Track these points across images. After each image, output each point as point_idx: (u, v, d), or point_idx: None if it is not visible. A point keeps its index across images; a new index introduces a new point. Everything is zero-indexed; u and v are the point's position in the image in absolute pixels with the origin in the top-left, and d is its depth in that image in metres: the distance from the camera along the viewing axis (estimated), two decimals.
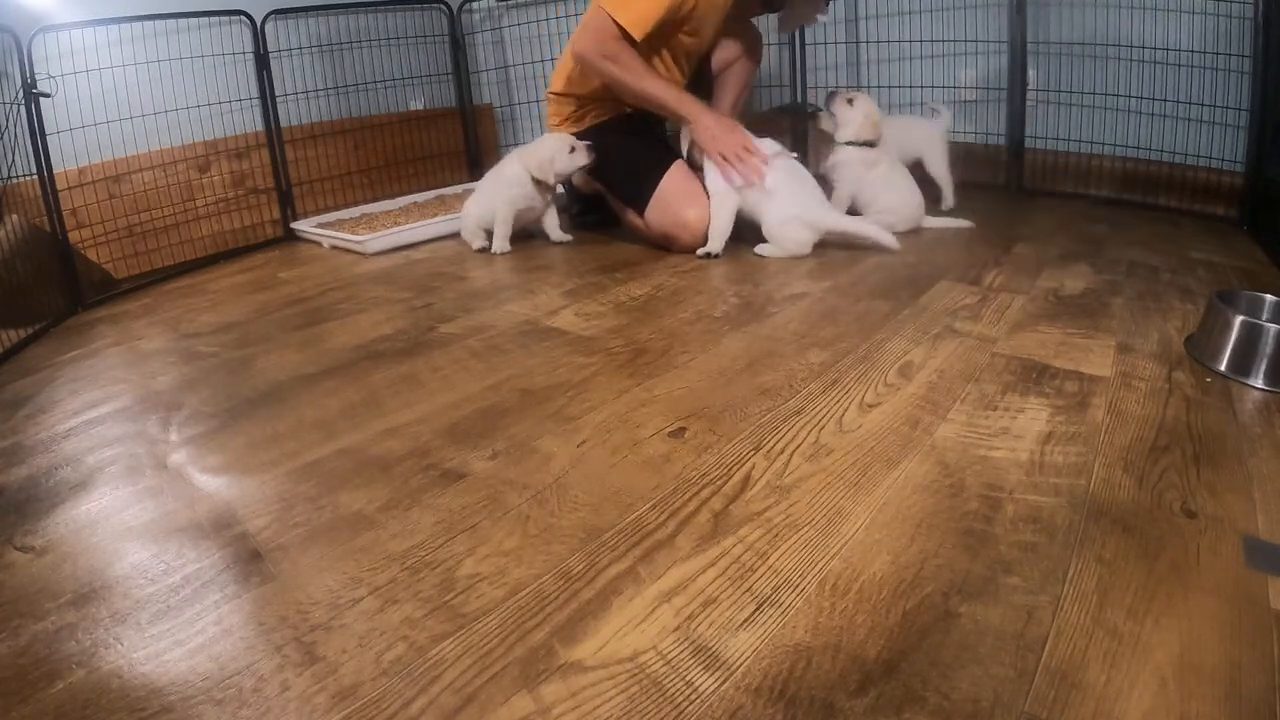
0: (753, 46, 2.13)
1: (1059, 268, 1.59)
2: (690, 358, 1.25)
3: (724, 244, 1.80)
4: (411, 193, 2.72)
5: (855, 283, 1.56)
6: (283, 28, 2.44)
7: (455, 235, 2.18)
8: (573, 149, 1.91)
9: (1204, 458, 0.90)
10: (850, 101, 1.90)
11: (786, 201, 1.74)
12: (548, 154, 1.91)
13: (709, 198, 1.81)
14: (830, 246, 1.78)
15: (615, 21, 1.71)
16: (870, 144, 1.90)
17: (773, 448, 0.96)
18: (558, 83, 2.00)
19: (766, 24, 2.36)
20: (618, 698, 0.61)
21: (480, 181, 2.14)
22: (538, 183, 1.95)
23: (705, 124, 1.78)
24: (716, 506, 0.85)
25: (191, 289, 1.97)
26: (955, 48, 2.30)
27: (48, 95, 1.79)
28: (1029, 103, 2.22)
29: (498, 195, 1.99)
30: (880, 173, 1.90)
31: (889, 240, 1.73)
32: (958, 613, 0.67)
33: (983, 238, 1.84)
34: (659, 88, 1.78)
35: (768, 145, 1.79)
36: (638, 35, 1.72)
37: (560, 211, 2.11)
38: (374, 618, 0.71)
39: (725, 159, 1.75)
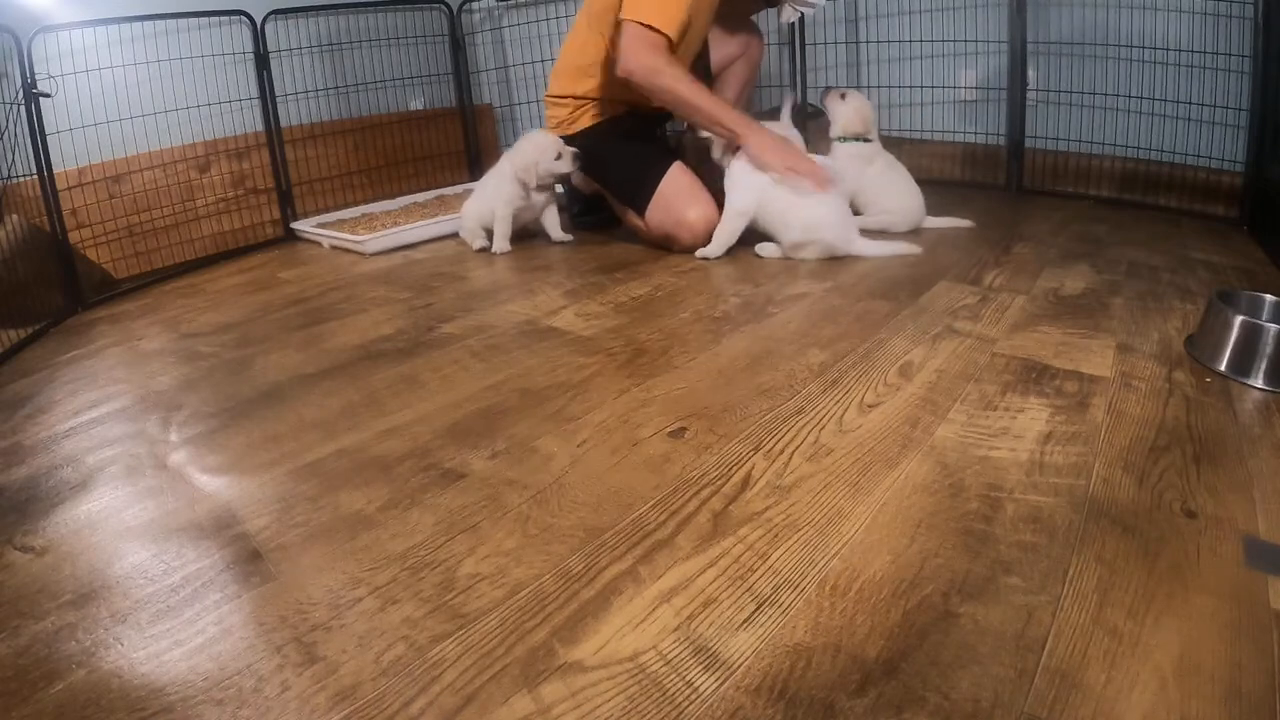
0: (752, 45, 2.13)
1: (1059, 268, 1.59)
2: (690, 358, 1.25)
3: (724, 252, 1.80)
4: (411, 193, 2.72)
5: (855, 283, 1.56)
6: (283, 28, 2.44)
7: (455, 235, 2.18)
8: (559, 155, 1.91)
9: (1204, 458, 0.90)
10: (843, 96, 1.92)
11: (814, 220, 1.70)
12: (532, 157, 1.92)
13: (723, 205, 1.79)
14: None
15: (647, 26, 1.68)
16: (865, 140, 1.91)
17: (773, 448, 0.96)
18: (553, 85, 2.01)
19: (767, 24, 2.36)
20: (618, 698, 0.61)
21: (480, 181, 2.14)
22: (522, 183, 1.96)
23: (764, 141, 1.73)
24: (716, 506, 0.85)
25: (191, 289, 1.97)
26: (955, 48, 2.30)
27: (48, 95, 1.79)
28: (1029, 103, 2.22)
29: (496, 195, 1.99)
30: (878, 170, 1.90)
31: (910, 250, 1.72)
32: (958, 613, 0.67)
33: (983, 238, 1.84)
34: (712, 103, 1.74)
35: (816, 158, 1.77)
36: (672, 34, 1.68)
37: (560, 211, 2.12)
38: (374, 618, 0.71)
39: (793, 170, 1.70)
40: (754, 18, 2.18)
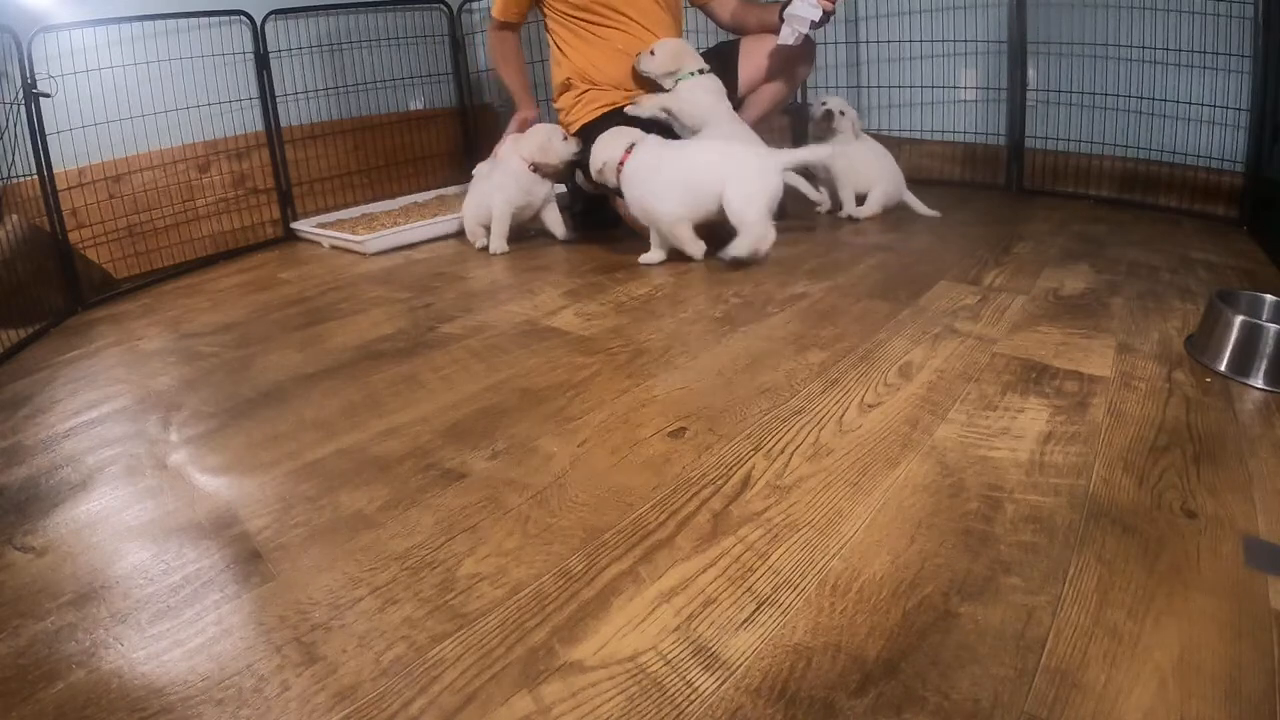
0: (793, 69, 2.04)
1: (1059, 268, 1.59)
2: (690, 358, 1.25)
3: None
4: (411, 193, 2.72)
5: (855, 283, 1.56)
6: (283, 28, 2.44)
7: (455, 235, 2.19)
8: (565, 137, 1.97)
9: (1204, 458, 0.90)
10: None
11: (738, 168, 1.67)
12: (543, 137, 1.95)
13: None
14: (830, 247, 1.78)
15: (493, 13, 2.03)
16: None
17: (773, 448, 0.96)
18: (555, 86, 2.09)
19: None
20: (618, 698, 0.61)
21: (474, 180, 2.14)
22: (536, 169, 1.97)
23: (516, 122, 2.11)
24: (716, 506, 0.85)
25: (191, 289, 1.97)
26: (955, 48, 2.30)
27: (48, 95, 1.79)
28: (1029, 103, 2.22)
29: (498, 194, 1.99)
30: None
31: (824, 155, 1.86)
32: (958, 613, 0.67)
33: (983, 238, 1.84)
34: (511, 79, 2.14)
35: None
36: (502, 18, 2.04)
37: (562, 210, 2.12)
38: (374, 618, 0.71)
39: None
40: (803, 35, 1.91)
